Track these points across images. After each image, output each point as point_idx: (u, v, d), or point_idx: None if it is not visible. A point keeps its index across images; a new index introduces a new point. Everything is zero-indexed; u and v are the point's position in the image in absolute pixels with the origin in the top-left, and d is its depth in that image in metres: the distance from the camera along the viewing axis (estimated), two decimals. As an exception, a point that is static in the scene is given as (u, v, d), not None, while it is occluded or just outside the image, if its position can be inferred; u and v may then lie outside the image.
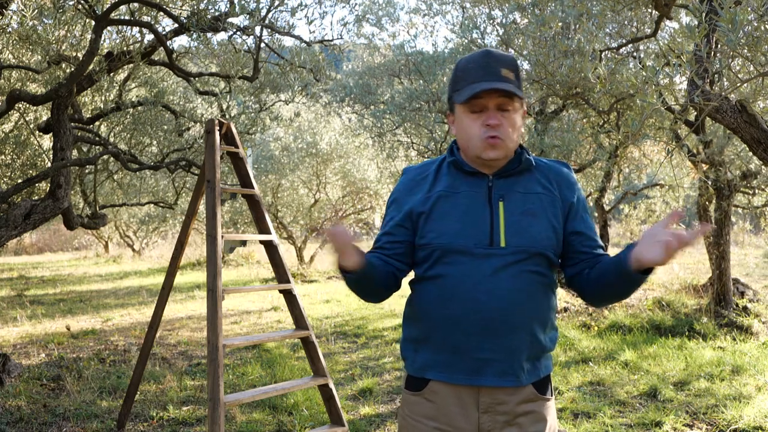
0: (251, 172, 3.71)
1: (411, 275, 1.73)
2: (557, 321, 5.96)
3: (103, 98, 6.24)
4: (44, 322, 7.82)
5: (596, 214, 9.37)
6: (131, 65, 4.93)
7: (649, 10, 4.48)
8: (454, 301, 1.55)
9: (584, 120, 6.91)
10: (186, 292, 11.03)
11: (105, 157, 6.37)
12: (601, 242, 1.67)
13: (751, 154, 6.51)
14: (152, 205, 11.04)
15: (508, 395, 1.56)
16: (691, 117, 4.90)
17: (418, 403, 1.62)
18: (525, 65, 5.25)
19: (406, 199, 1.68)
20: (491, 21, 5.49)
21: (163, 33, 4.51)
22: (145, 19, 4.60)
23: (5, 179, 6.06)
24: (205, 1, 4.08)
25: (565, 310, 7.59)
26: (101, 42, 4.22)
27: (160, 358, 5.93)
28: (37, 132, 5.86)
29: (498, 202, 1.59)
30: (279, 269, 3.63)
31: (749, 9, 2.29)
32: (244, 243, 4.33)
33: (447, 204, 1.61)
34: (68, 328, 7.25)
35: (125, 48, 4.75)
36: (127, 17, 4.64)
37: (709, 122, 5.93)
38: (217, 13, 4.18)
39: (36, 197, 5.45)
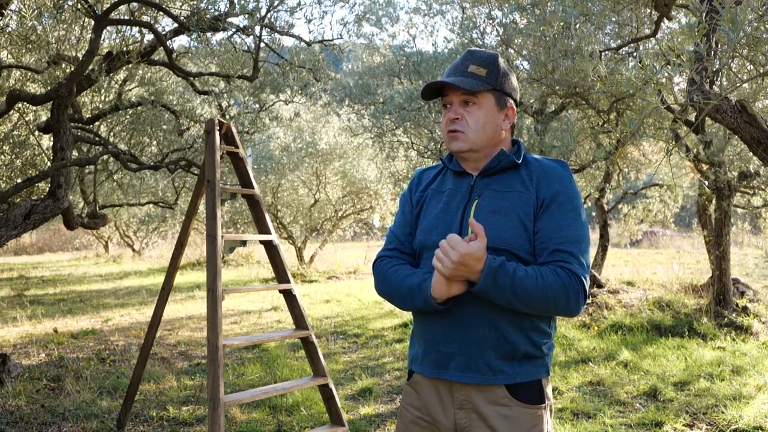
0: (251, 172, 3.71)
1: None
2: (557, 321, 5.93)
3: (102, 98, 6.24)
4: (44, 322, 7.82)
5: (594, 214, 9.38)
6: (131, 65, 4.93)
7: (649, 10, 4.48)
8: None
9: (584, 120, 6.91)
10: (186, 292, 11.03)
11: (105, 157, 6.37)
12: (565, 245, 1.53)
13: (751, 154, 6.51)
14: (152, 205, 11.04)
15: (477, 393, 1.57)
16: (691, 117, 4.90)
17: (408, 392, 1.72)
18: (525, 65, 5.25)
19: (410, 195, 1.78)
20: (491, 21, 5.48)
21: (163, 33, 4.51)
22: (145, 18, 4.60)
23: (5, 179, 6.06)
24: (205, 1, 4.08)
25: (565, 310, 7.58)
26: (101, 42, 4.22)
27: (160, 358, 5.93)
28: (37, 132, 5.86)
29: (474, 201, 1.62)
30: (279, 269, 3.63)
31: (749, 9, 2.29)
32: (244, 243, 4.30)
33: (432, 203, 1.71)
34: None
35: (125, 48, 4.75)
36: (126, 17, 4.64)
37: (708, 122, 5.92)
38: (216, 13, 4.18)
39: (36, 197, 5.45)
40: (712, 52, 2.67)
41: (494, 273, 1.46)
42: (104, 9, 4.04)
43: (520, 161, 1.65)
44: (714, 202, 7.36)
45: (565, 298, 1.49)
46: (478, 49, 1.67)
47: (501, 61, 1.66)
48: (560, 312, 1.53)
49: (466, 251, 1.43)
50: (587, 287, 1.53)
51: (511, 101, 1.67)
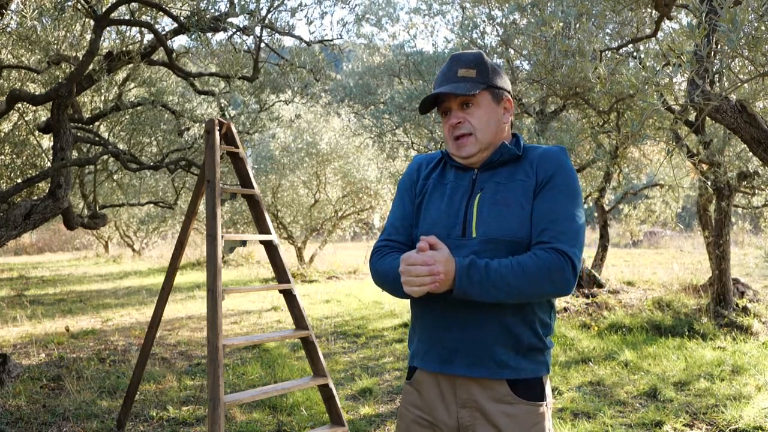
0: (251, 172, 3.71)
1: None
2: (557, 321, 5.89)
3: (102, 98, 6.24)
4: (44, 322, 7.82)
5: (596, 214, 9.38)
6: (131, 65, 4.93)
7: (649, 10, 4.47)
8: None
9: (584, 120, 6.91)
10: (186, 292, 11.03)
11: (105, 157, 6.37)
12: (555, 224, 1.53)
13: (751, 154, 6.51)
14: (152, 205, 11.05)
15: (481, 390, 1.57)
16: (691, 117, 4.90)
17: (409, 392, 1.70)
18: (525, 65, 5.24)
19: (411, 184, 1.76)
20: (491, 21, 5.48)
21: (163, 33, 4.50)
22: (145, 18, 4.60)
23: (5, 179, 6.06)
24: (205, 1, 4.08)
25: (565, 310, 7.59)
26: (101, 42, 4.22)
27: (160, 358, 5.93)
28: (37, 132, 5.86)
29: (477, 194, 1.62)
30: (279, 269, 3.63)
31: (749, 9, 2.29)
32: (244, 243, 4.33)
33: (433, 195, 1.69)
34: (67, 329, 7.24)
35: (125, 48, 4.75)
36: (127, 17, 4.64)
37: (709, 122, 5.92)
38: (217, 13, 4.17)
39: (36, 197, 5.44)
40: (713, 53, 2.67)
41: (467, 271, 1.46)
42: (104, 9, 4.04)
43: (521, 153, 1.65)
44: (714, 202, 7.37)
45: (548, 279, 1.48)
46: (461, 52, 1.68)
47: (486, 58, 1.67)
48: (549, 294, 1.53)
49: (444, 257, 1.45)
50: (577, 263, 1.51)
51: (507, 94, 1.67)
